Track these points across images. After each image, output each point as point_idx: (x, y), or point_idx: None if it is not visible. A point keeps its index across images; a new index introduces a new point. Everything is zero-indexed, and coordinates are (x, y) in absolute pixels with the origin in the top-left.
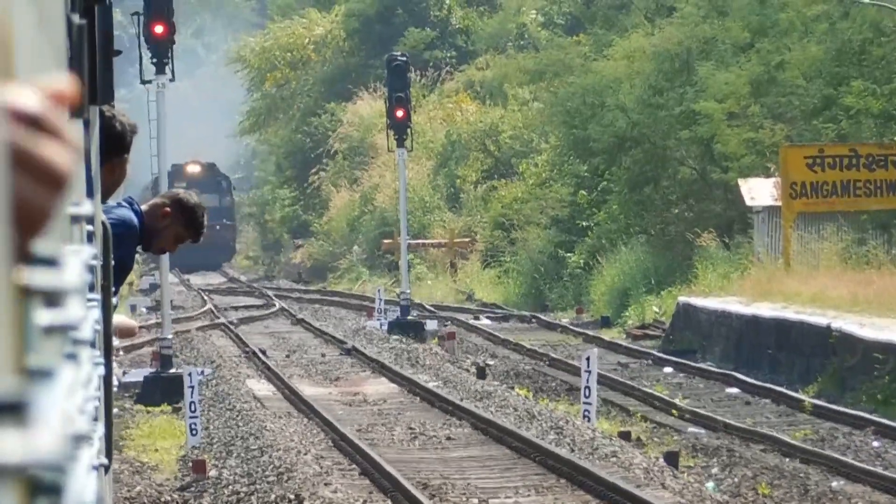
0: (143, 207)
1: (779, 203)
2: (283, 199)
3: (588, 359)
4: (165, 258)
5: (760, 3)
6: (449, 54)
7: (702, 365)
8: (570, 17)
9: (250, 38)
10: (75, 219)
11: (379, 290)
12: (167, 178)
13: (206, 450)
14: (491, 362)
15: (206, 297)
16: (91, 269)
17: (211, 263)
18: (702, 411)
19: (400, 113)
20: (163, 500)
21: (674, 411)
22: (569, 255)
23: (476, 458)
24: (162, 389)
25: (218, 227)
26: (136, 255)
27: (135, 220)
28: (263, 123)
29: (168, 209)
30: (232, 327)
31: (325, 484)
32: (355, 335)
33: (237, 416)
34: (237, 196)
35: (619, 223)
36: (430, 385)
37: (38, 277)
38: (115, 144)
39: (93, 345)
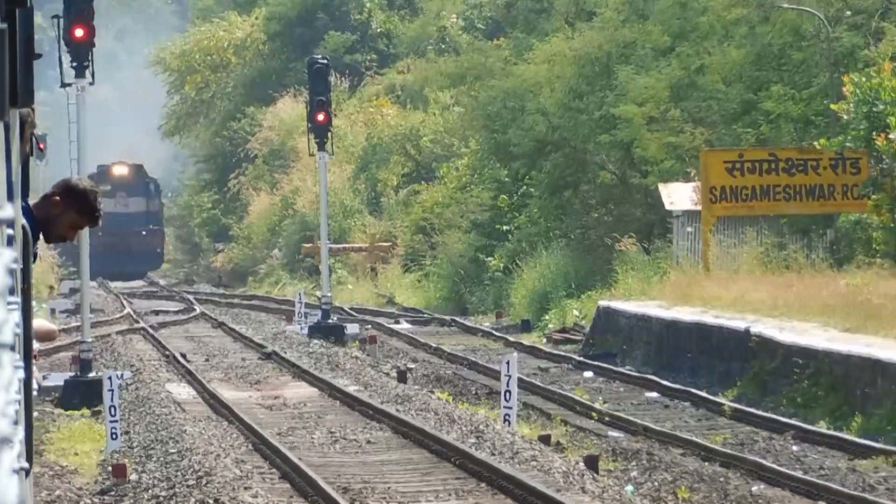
0: (34, 202)
1: (698, 207)
2: (204, 203)
3: (508, 363)
4: (86, 261)
5: (681, 7)
6: (370, 58)
7: (622, 369)
8: (490, 20)
9: (170, 41)
10: None
11: (299, 294)
12: (93, 178)
13: (126, 454)
14: (411, 366)
15: (125, 301)
16: (12, 272)
17: (137, 271)
18: (622, 415)
19: (321, 116)
20: (83, 503)
21: (594, 415)
22: (489, 259)
23: (396, 461)
24: (82, 393)
25: (144, 232)
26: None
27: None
28: (184, 126)
29: (58, 197)
30: (152, 331)
31: (246, 488)
32: (275, 339)
33: (157, 420)
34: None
35: (540, 227)
36: (351, 389)
37: None
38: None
39: (13, 348)
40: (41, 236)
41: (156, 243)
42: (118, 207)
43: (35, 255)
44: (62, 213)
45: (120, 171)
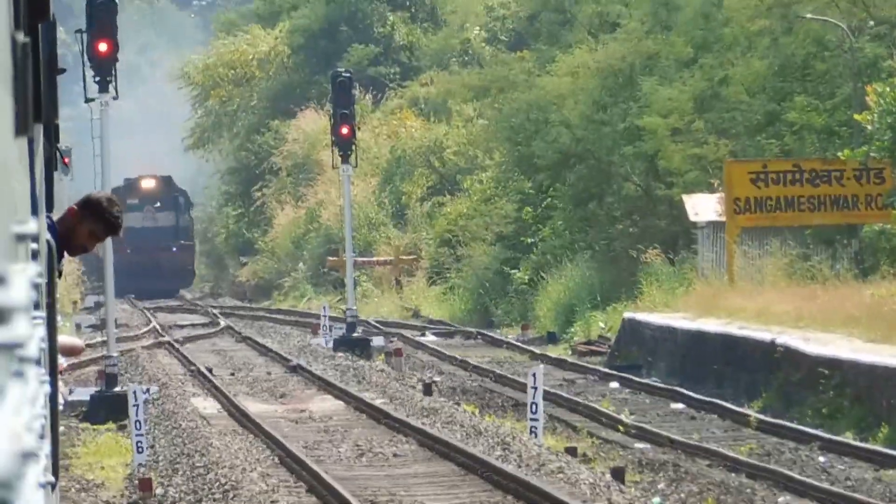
0: (56, 217)
1: (723, 218)
2: (228, 216)
3: (534, 375)
4: (110, 274)
5: (704, 18)
6: (393, 70)
7: (647, 380)
8: (513, 33)
9: (194, 55)
10: (21, 237)
11: (324, 307)
12: (120, 192)
13: (152, 468)
14: (437, 379)
15: (150, 316)
16: (37, 287)
17: (169, 289)
18: (648, 427)
19: (345, 130)
20: None
21: (620, 427)
22: (514, 271)
23: (423, 474)
24: (107, 408)
25: (175, 248)
26: (79, 276)
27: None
28: (208, 140)
29: (74, 207)
30: (177, 346)
31: (272, 501)
32: (301, 353)
33: (183, 434)
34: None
35: (564, 239)
36: (377, 402)
37: None
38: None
39: (38, 363)
40: (65, 253)
41: (187, 259)
42: (146, 222)
43: (60, 273)
44: (80, 223)
45: (148, 184)
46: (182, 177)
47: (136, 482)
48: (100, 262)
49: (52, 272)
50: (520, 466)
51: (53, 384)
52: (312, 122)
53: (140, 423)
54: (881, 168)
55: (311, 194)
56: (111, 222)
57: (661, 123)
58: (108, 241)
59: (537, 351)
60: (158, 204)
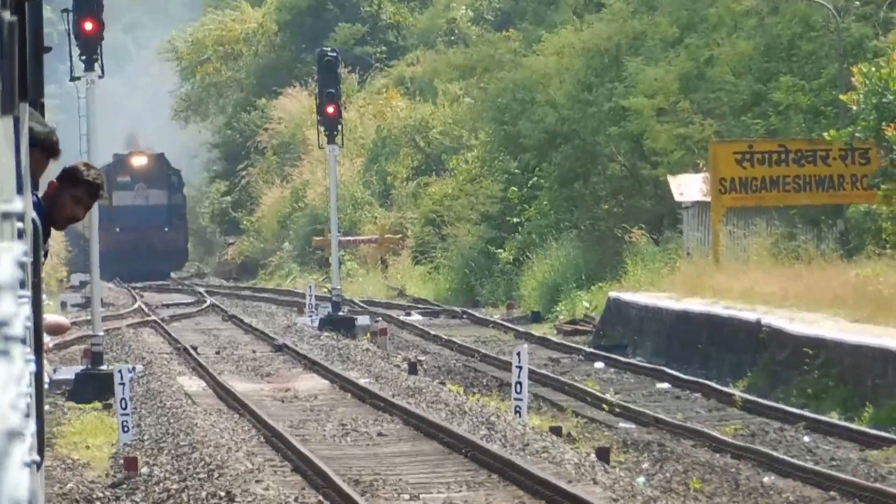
0: (41, 194)
1: (708, 198)
2: (213, 195)
3: (519, 354)
4: (96, 252)
5: None
6: (379, 50)
7: (633, 360)
8: (499, 12)
9: (182, 30)
10: (6, 216)
11: (310, 287)
12: (108, 171)
13: (137, 447)
14: (422, 358)
15: (136, 295)
16: (22, 266)
17: (159, 271)
18: (633, 406)
19: (331, 109)
20: (94, 497)
21: (605, 406)
22: (499, 250)
23: (407, 453)
24: (93, 387)
25: (167, 228)
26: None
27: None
28: (196, 111)
29: (54, 181)
30: (163, 324)
31: (257, 481)
32: (286, 332)
33: (168, 413)
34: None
35: (550, 219)
36: (362, 381)
37: None
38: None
39: (24, 341)
40: (51, 232)
41: (179, 240)
42: (137, 200)
43: (46, 252)
44: (61, 194)
45: (139, 161)
46: (168, 155)
47: (122, 461)
48: (86, 242)
49: (38, 251)
50: (504, 446)
51: (39, 363)
52: (298, 102)
53: (126, 402)
54: (867, 148)
55: (297, 174)
56: (91, 183)
57: (646, 104)
58: (95, 218)
59: (522, 330)
60: (150, 182)
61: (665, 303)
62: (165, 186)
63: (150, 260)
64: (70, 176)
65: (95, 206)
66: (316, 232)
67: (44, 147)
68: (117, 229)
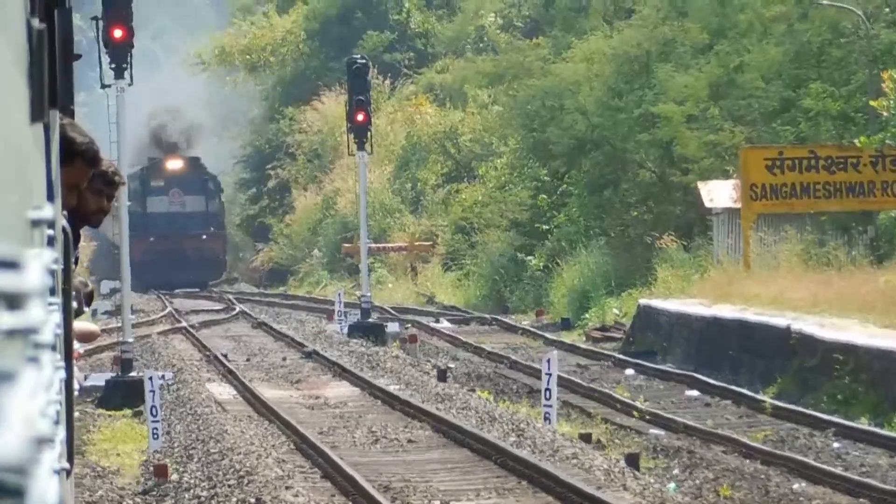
0: None
1: (737, 205)
2: (243, 202)
3: (548, 361)
4: (126, 259)
5: (720, 4)
6: (408, 57)
7: (662, 367)
8: (528, 19)
9: (209, 38)
10: (36, 223)
11: (339, 294)
12: (142, 175)
13: (167, 454)
14: (452, 365)
15: (166, 301)
16: (52, 272)
17: (196, 281)
18: (662, 413)
19: (360, 116)
20: None
21: (635, 413)
22: (529, 257)
23: (437, 460)
24: (123, 393)
25: (204, 236)
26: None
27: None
28: (228, 120)
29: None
30: (193, 331)
31: (287, 487)
32: (316, 338)
33: (198, 419)
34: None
35: (579, 226)
36: (391, 388)
37: (0, 281)
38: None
39: (54, 348)
40: (80, 239)
41: (217, 248)
42: (173, 207)
43: (76, 260)
44: (81, 193)
45: (174, 164)
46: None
47: (152, 468)
48: (117, 249)
49: (68, 258)
50: (534, 452)
51: (69, 370)
52: (329, 109)
53: (156, 409)
54: None
55: (328, 181)
56: (105, 173)
57: (676, 110)
58: (125, 223)
59: (551, 337)
60: (185, 187)
61: (695, 309)
62: (202, 192)
63: (186, 270)
64: (77, 163)
65: (125, 213)
66: (346, 239)
67: (85, 157)
68: (151, 238)
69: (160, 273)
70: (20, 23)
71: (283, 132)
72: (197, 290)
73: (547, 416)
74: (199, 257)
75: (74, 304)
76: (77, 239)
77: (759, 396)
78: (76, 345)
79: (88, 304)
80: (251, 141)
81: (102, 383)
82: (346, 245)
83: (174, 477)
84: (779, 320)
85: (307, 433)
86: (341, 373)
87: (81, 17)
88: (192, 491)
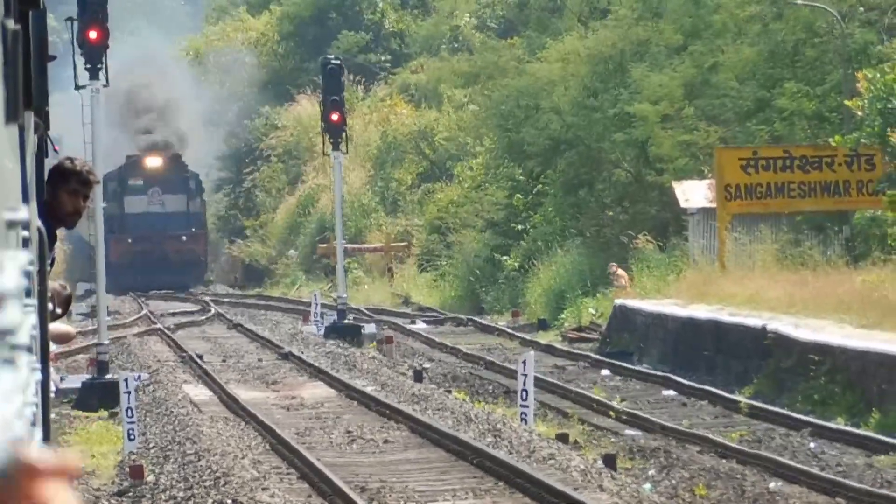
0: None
1: (713, 205)
2: (218, 202)
3: (525, 362)
4: (101, 260)
5: (694, 4)
6: (383, 58)
7: (639, 367)
8: (503, 19)
9: (184, 40)
10: (11, 224)
11: (315, 295)
12: (120, 174)
13: (143, 455)
14: (428, 366)
15: (141, 303)
16: (28, 274)
17: (176, 284)
18: (639, 413)
19: (335, 116)
20: None
21: (611, 413)
22: (505, 258)
23: (414, 461)
24: (99, 395)
25: (185, 237)
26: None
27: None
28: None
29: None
30: (168, 333)
31: (263, 488)
32: (292, 340)
33: (174, 421)
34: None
35: (555, 226)
36: (368, 389)
37: None
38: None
39: (30, 350)
40: (56, 239)
41: (199, 250)
42: (152, 206)
43: (52, 261)
44: (56, 194)
45: (153, 162)
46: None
47: (128, 469)
48: (93, 250)
49: (44, 259)
50: (511, 453)
51: (45, 371)
52: (305, 109)
53: (131, 411)
54: (872, 154)
55: (304, 181)
56: (79, 172)
57: (651, 110)
58: (100, 224)
59: (528, 338)
60: (165, 186)
61: (671, 309)
62: (183, 191)
63: (166, 272)
64: (58, 173)
65: (100, 213)
66: (323, 239)
67: (81, 179)
68: (129, 240)
69: (139, 276)
70: None
71: (259, 132)
72: (173, 291)
73: (523, 416)
74: (179, 259)
75: (50, 306)
76: (53, 240)
77: (735, 397)
78: (51, 346)
79: (67, 308)
80: (226, 139)
81: (78, 385)
82: (322, 245)
83: (150, 478)
84: (754, 320)
85: (283, 434)
86: (317, 374)
87: (56, 17)
88: (168, 492)
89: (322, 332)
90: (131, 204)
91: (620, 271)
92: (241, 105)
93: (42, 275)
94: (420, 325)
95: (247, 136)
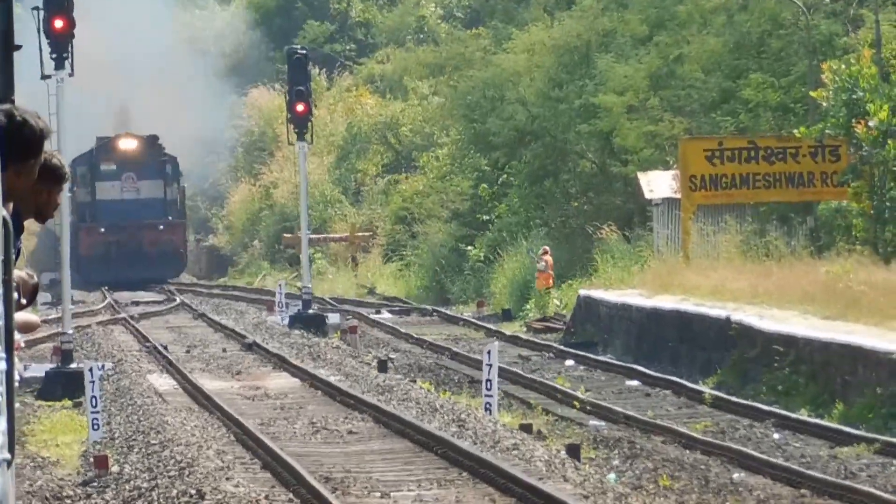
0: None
1: (677, 195)
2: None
3: (489, 352)
4: (66, 248)
5: None
6: (349, 48)
7: (603, 358)
8: (469, 10)
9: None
10: None
11: (280, 285)
12: (91, 158)
13: (107, 445)
14: (393, 356)
15: (106, 292)
16: None
17: (153, 277)
18: (603, 404)
19: (300, 107)
20: (65, 494)
21: (575, 404)
22: (470, 248)
23: (378, 451)
24: (63, 384)
25: (161, 226)
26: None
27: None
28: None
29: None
30: (133, 322)
31: (227, 478)
32: (256, 329)
33: (139, 411)
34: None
35: (520, 216)
36: (332, 379)
37: None
38: (22, 148)
39: None
40: (23, 229)
41: (177, 240)
42: (126, 193)
43: (18, 251)
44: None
45: (127, 144)
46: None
47: (92, 459)
48: (58, 240)
49: (9, 248)
50: (475, 443)
51: (10, 361)
52: (267, 99)
53: (96, 400)
54: (837, 145)
55: (267, 171)
56: (55, 167)
57: (616, 101)
58: (65, 212)
59: (493, 328)
60: (140, 171)
61: (635, 300)
62: (160, 176)
63: (142, 265)
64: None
65: (66, 200)
66: (286, 229)
67: (43, 166)
68: (101, 229)
69: (112, 269)
70: None
71: (223, 122)
72: (158, 284)
73: (488, 406)
74: (156, 251)
75: (16, 296)
76: (20, 230)
77: (699, 387)
78: (17, 335)
79: (33, 299)
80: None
81: (42, 374)
82: (286, 235)
83: (115, 468)
84: (719, 311)
85: (248, 424)
86: (282, 364)
87: (22, 7)
88: (132, 482)
89: (287, 322)
90: (103, 190)
91: (548, 257)
92: (206, 94)
93: (7, 264)
94: (385, 315)
95: (212, 126)
